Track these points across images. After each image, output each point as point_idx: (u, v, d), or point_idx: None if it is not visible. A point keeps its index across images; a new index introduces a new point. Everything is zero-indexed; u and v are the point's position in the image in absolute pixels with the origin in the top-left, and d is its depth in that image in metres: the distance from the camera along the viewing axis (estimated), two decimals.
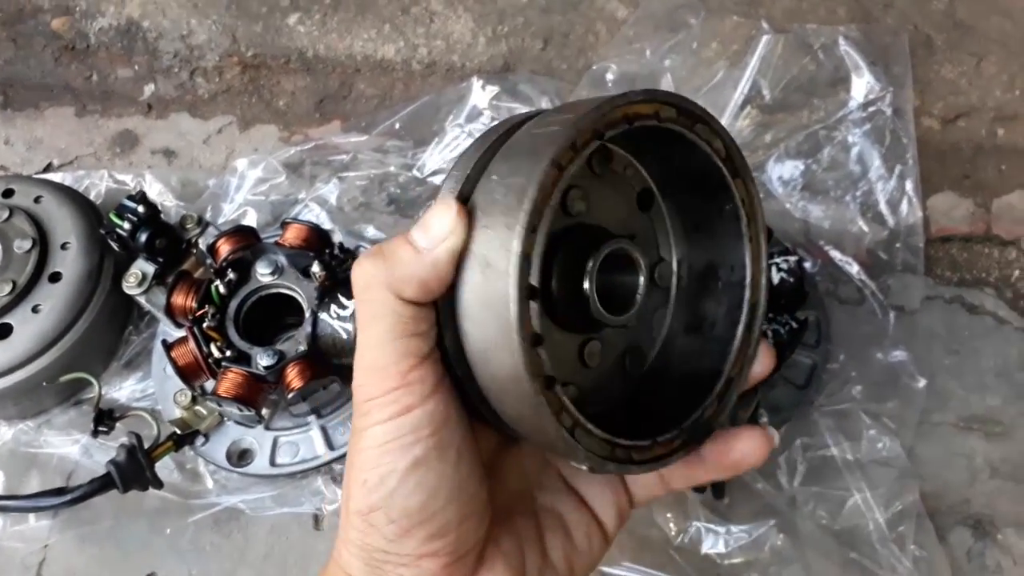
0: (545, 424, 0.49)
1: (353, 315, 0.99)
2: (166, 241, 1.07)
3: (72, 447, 1.08)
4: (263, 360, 0.98)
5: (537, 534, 0.59)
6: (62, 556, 1.04)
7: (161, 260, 1.07)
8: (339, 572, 0.54)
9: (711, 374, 0.60)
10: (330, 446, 1.05)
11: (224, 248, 1.04)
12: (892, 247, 1.15)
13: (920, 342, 1.10)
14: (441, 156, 1.27)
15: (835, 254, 1.15)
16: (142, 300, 1.07)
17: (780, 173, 1.20)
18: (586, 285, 0.52)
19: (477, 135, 1.25)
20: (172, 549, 1.04)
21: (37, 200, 1.16)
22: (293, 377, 0.97)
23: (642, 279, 0.57)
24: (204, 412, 1.04)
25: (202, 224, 1.11)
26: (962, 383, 1.09)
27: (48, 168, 1.36)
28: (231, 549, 1.04)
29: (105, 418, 1.03)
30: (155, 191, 1.26)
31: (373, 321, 0.51)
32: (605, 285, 0.53)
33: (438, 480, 0.51)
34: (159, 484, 0.99)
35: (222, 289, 1.03)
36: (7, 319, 1.07)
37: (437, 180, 1.26)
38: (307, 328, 0.99)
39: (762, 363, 0.61)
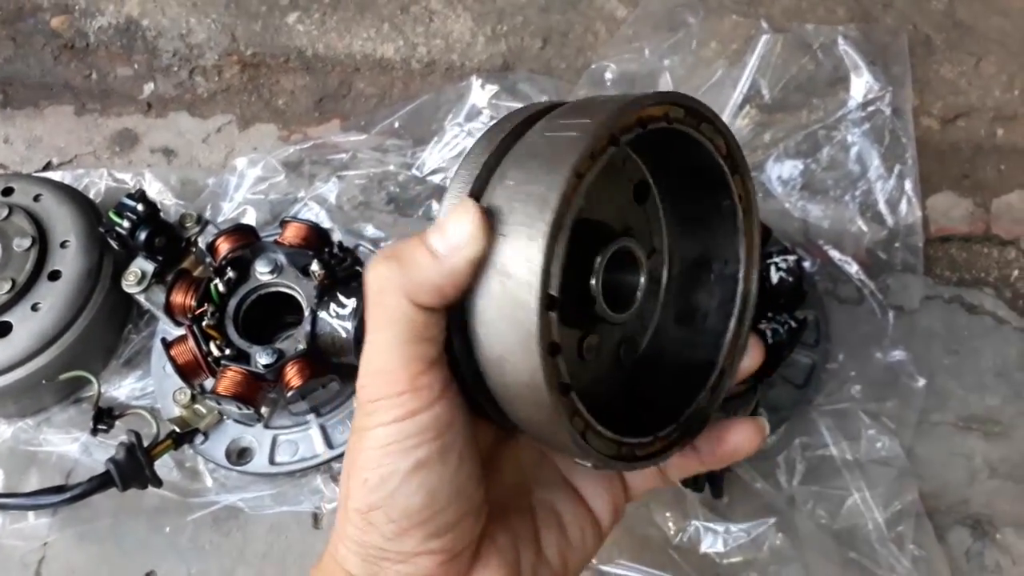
0: (559, 429, 0.49)
1: (352, 313, 0.99)
2: (165, 240, 1.07)
3: (71, 445, 1.08)
4: (262, 359, 0.98)
5: (532, 530, 0.59)
6: (61, 554, 1.04)
7: (160, 259, 1.07)
8: (335, 567, 0.55)
9: (705, 365, 0.60)
10: (329, 445, 1.05)
11: (223, 247, 1.04)
12: (891, 247, 1.15)
13: (919, 342, 1.10)
14: (440, 155, 1.27)
15: (834, 254, 1.15)
16: (141, 298, 1.07)
17: (779, 172, 1.20)
18: (593, 284, 0.52)
19: (478, 133, 1.27)
20: (171, 547, 1.04)
21: (36, 198, 1.16)
22: (292, 376, 0.97)
23: (643, 278, 0.57)
24: (203, 410, 1.04)
25: (201, 223, 1.11)
26: (961, 383, 1.09)
27: (47, 166, 1.36)
28: (230, 547, 1.04)
29: (104, 416, 1.03)
30: (154, 190, 1.26)
31: (385, 325, 0.50)
32: (608, 283, 0.53)
33: (439, 482, 0.51)
34: (158, 482, 0.99)
35: (221, 288, 1.03)
36: (6, 317, 1.07)
37: (436, 179, 1.26)
38: (306, 327, 0.99)
39: (751, 356, 0.61)
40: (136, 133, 1.39)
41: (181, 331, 1.02)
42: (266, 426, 1.06)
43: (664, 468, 0.62)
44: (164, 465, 1.03)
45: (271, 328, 1.07)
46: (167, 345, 1.01)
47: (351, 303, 0.99)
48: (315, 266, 1.01)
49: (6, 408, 1.10)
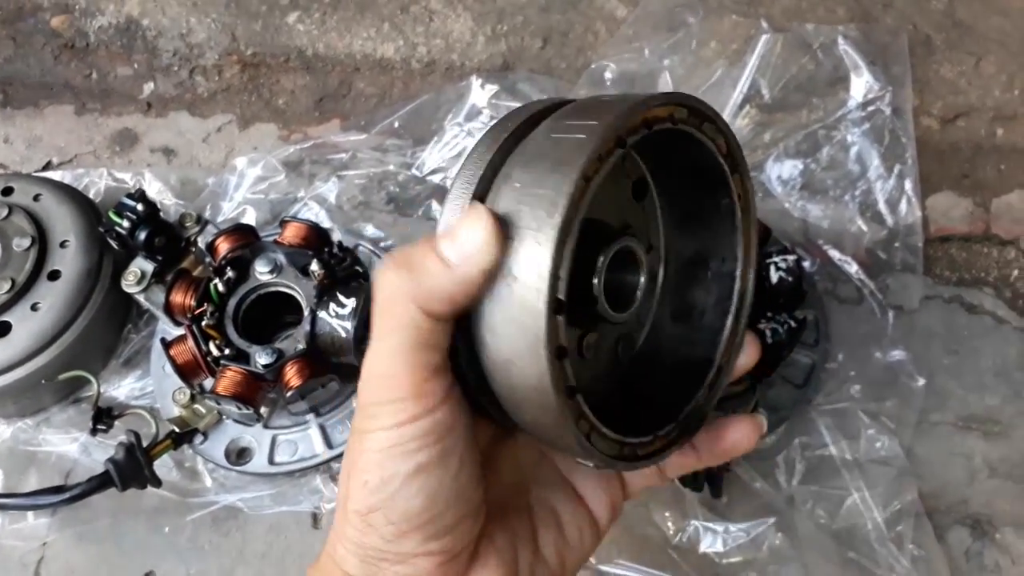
0: (565, 431, 0.49)
1: (351, 313, 0.99)
2: (165, 239, 1.07)
3: (71, 445, 1.08)
4: (262, 358, 0.98)
5: (530, 529, 0.59)
6: (60, 554, 1.04)
7: (160, 258, 1.07)
8: (333, 567, 0.55)
9: (702, 363, 0.61)
10: (328, 444, 1.05)
11: (223, 246, 1.04)
12: (891, 246, 1.15)
13: (919, 341, 1.10)
14: (440, 155, 1.27)
15: (834, 253, 1.15)
16: (141, 298, 1.07)
17: (779, 172, 1.20)
18: (595, 283, 0.52)
19: (477, 133, 1.27)
20: (170, 547, 1.04)
21: (36, 198, 1.16)
22: (292, 375, 0.97)
23: (643, 278, 0.57)
24: (203, 410, 1.04)
25: (201, 222, 1.11)
26: (961, 383, 1.09)
27: (47, 166, 1.36)
28: (229, 547, 1.04)
29: (104, 416, 1.03)
30: (154, 189, 1.26)
31: (391, 330, 0.49)
32: (609, 282, 0.53)
33: (439, 485, 0.51)
34: (157, 482, 0.99)
35: (221, 287, 1.02)
36: (6, 317, 1.07)
37: (436, 179, 1.26)
38: (306, 326, 0.99)
39: (748, 354, 0.62)
40: (136, 133, 1.39)
41: (180, 331, 1.02)
42: (265, 426, 1.06)
43: (662, 466, 0.62)
44: (163, 465, 1.03)
45: (271, 328, 1.07)
46: (166, 345, 1.01)
47: (351, 303, 0.99)
48: (315, 266, 1.01)
49: (5, 408, 1.10)
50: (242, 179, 1.26)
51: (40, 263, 1.10)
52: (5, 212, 1.12)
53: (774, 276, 1.01)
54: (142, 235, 1.04)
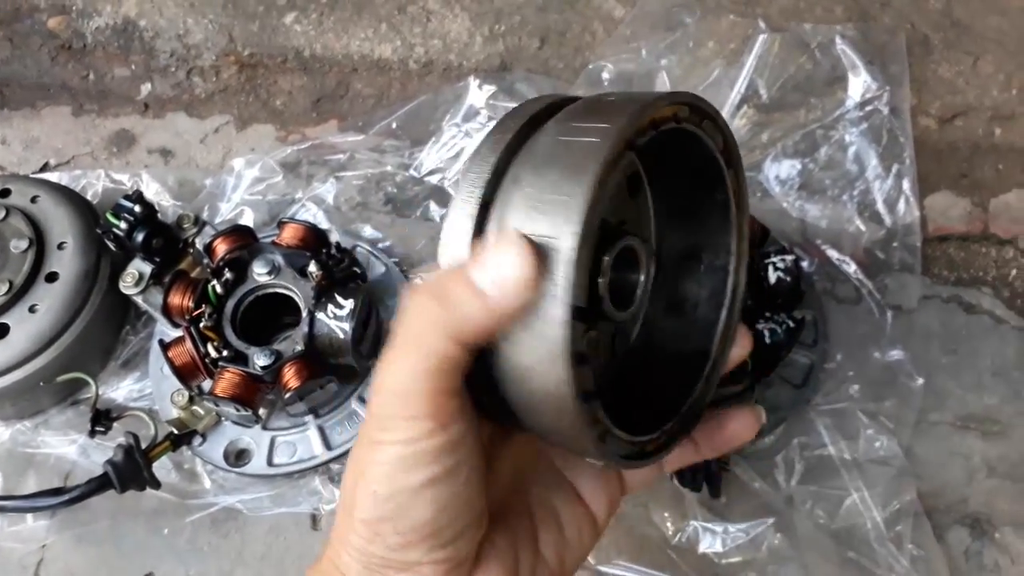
0: (581, 435, 0.49)
1: (350, 314, 0.99)
2: (163, 241, 1.07)
3: (69, 447, 1.08)
4: (260, 360, 0.97)
5: (531, 530, 0.59)
6: (60, 556, 1.04)
7: (158, 260, 1.07)
8: (335, 572, 0.54)
9: (698, 355, 0.61)
10: (327, 446, 1.05)
11: (221, 248, 1.04)
12: (889, 246, 1.15)
13: (917, 341, 1.10)
14: (438, 156, 1.27)
15: (832, 253, 1.15)
16: (139, 300, 1.07)
17: (777, 172, 1.20)
18: (601, 283, 0.52)
19: (475, 134, 1.27)
20: (170, 549, 1.04)
21: (34, 200, 1.15)
22: (290, 377, 0.97)
23: (643, 276, 0.57)
24: (201, 412, 1.04)
25: (199, 224, 1.11)
26: (960, 382, 1.09)
27: (45, 168, 1.36)
28: (229, 549, 1.04)
29: (102, 418, 1.03)
30: (152, 191, 1.26)
31: (415, 351, 0.48)
32: (612, 281, 0.53)
33: (449, 497, 0.51)
34: (156, 484, 0.98)
35: (219, 289, 1.02)
36: (4, 319, 1.07)
37: (434, 180, 1.26)
38: (304, 328, 0.99)
39: (741, 345, 0.62)
40: (133, 134, 1.39)
41: (179, 332, 1.02)
42: (264, 427, 1.06)
43: (663, 461, 0.63)
44: (162, 467, 1.03)
45: (269, 329, 1.07)
46: (165, 346, 1.01)
47: (349, 304, 0.99)
48: (313, 267, 1.01)
49: (4, 410, 1.10)
50: (240, 180, 1.26)
51: (38, 265, 1.09)
52: (2, 214, 1.12)
53: (772, 276, 1.01)
54: (140, 236, 1.04)
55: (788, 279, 1.01)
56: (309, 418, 1.06)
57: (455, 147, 1.27)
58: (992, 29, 1.30)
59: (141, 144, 1.38)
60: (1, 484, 1.07)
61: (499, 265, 0.46)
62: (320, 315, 1.00)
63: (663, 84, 1.24)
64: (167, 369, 1.01)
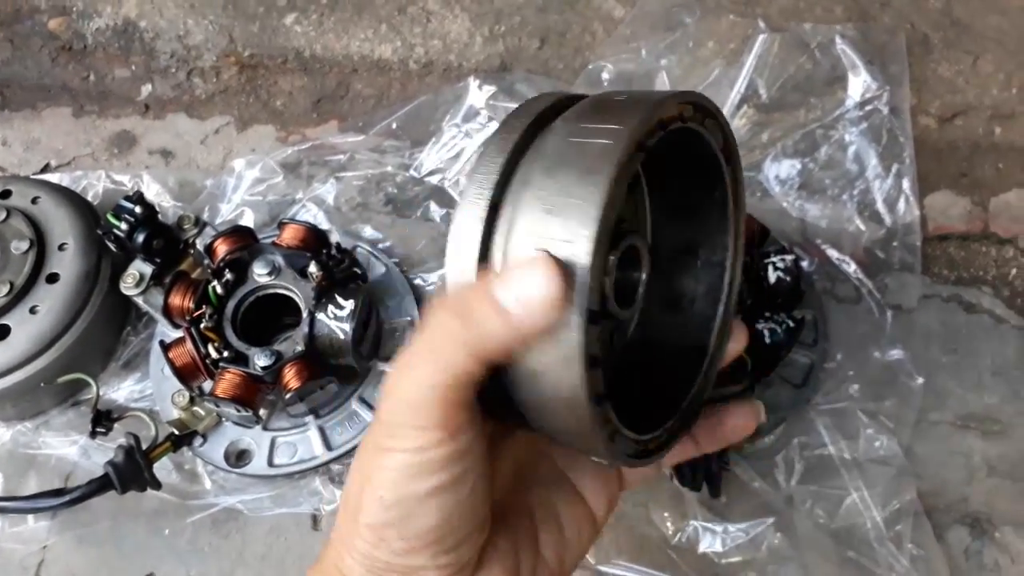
0: (593, 436, 0.49)
1: (350, 315, 0.99)
2: (163, 242, 1.07)
3: (70, 448, 1.08)
4: (260, 360, 0.98)
5: (531, 531, 0.59)
6: (61, 557, 1.04)
7: (158, 261, 1.07)
8: (337, 575, 0.54)
9: (695, 351, 0.61)
10: (328, 446, 1.05)
11: (221, 248, 1.04)
12: (889, 246, 1.15)
13: (917, 341, 1.10)
14: (438, 156, 1.27)
15: (832, 253, 1.15)
16: (140, 301, 1.07)
17: (777, 172, 1.20)
18: (607, 282, 0.51)
19: (475, 134, 1.27)
20: (170, 550, 1.04)
21: (34, 201, 1.16)
22: (291, 377, 0.98)
23: (645, 274, 0.57)
24: (202, 413, 1.04)
25: (199, 224, 1.11)
26: (960, 382, 1.09)
27: (46, 169, 1.36)
28: (229, 549, 1.04)
29: (103, 419, 1.03)
30: (152, 191, 1.26)
31: (432, 366, 0.48)
32: (616, 280, 0.53)
33: (455, 504, 0.51)
34: (157, 485, 0.99)
35: (219, 290, 1.02)
36: (5, 320, 1.07)
37: (434, 180, 1.26)
38: (304, 328, 0.99)
39: (737, 339, 0.62)
40: (134, 135, 1.39)
41: (179, 333, 1.02)
42: (265, 428, 1.06)
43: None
44: (163, 467, 1.03)
45: (269, 330, 1.07)
46: (165, 347, 1.01)
47: (349, 304, 0.99)
48: (313, 268, 1.01)
49: (4, 411, 1.10)
50: (240, 181, 1.26)
51: (38, 266, 1.10)
52: (3, 215, 1.12)
53: (772, 276, 1.01)
54: (140, 237, 1.04)
55: (788, 279, 1.02)
56: (310, 419, 1.06)
57: (455, 147, 1.27)
58: (992, 28, 1.30)
59: (142, 145, 1.38)
60: (2, 485, 1.07)
61: (524, 284, 0.45)
62: (320, 316, 1.00)
63: (663, 84, 1.24)
64: (168, 370, 1.01)
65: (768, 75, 1.22)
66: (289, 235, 1.05)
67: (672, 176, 0.61)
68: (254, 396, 0.98)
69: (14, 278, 1.08)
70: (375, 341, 1.11)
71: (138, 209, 1.04)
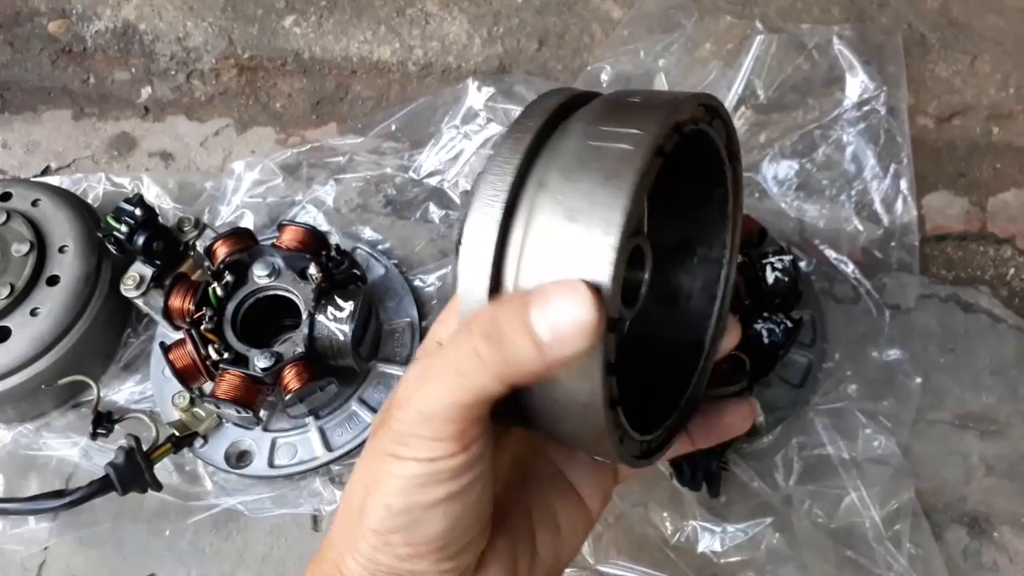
0: (604, 440, 0.49)
1: (349, 316, 0.99)
2: (163, 244, 1.07)
3: (71, 449, 1.09)
4: (260, 362, 0.98)
5: (529, 531, 0.59)
6: (62, 558, 1.05)
7: (159, 263, 1.07)
8: (337, 574, 0.55)
9: (692, 348, 0.61)
10: (328, 447, 1.06)
11: (221, 250, 1.05)
12: (887, 246, 1.15)
13: (915, 340, 1.10)
14: (437, 157, 1.27)
15: (830, 253, 1.15)
16: (140, 303, 1.07)
17: (775, 173, 1.20)
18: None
19: (474, 136, 1.28)
20: (171, 551, 1.04)
21: (35, 203, 1.16)
22: (291, 379, 0.98)
23: (648, 274, 0.57)
24: (202, 414, 1.05)
25: (199, 226, 1.11)
26: (958, 381, 1.09)
27: (46, 171, 1.37)
28: (230, 550, 1.04)
29: (104, 420, 1.03)
30: (152, 194, 1.26)
31: (454, 385, 0.47)
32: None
33: (463, 511, 0.50)
34: (158, 486, 0.99)
35: (219, 291, 1.03)
36: (5, 322, 1.07)
37: (433, 181, 1.26)
38: (304, 330, 1.00)
39: (730, 335, 0.62)
40: (134, 137, 1.40)
41: (179, 335, 1.03)
42: (265, 429, 1.07)
43: None
44: (164, 469, 1.03)
45: (269, 331, 1.07)
46: (166, 349, 1.01)
47: (348, 306, 1.00)
48: (312, 269, 1.01)
49: (5, 413, 1.10)
50: (240, 183, 1.26)
51: (39, 268, 1.10)
52: (3, 217, 1.12)
53: (770, 276, 1.02)
54: (140, 240, 1.05)
55: (786, 279, 1.02)
56: (310, 420, 1.07)
57: (454, 149, 1.27)
58: (989, 28, 1.30)
59: (142, 147, 1.38)
60: (3, 486, 1.07)
61: (560, 311, 0.44)
62: (320, 317, 1.00)
63: (661, 85, 1.25)
64: (168, 371, 1.01)
65: (766, 76, 1.22)
66: (289, 237, 1.05)
67: (674, 173, 0.61)
68: (254, 397, 0.98)
69: (14, 280, 1.08)
70: (375, 342, 1.11)
71: (138, 211, 1.05)
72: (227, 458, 1.06)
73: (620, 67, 1.26)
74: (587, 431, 0.49)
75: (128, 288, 1.06)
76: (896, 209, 1.17)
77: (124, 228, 1.05)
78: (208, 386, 1.02)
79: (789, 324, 1.01)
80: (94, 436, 1.03)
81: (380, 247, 1.22)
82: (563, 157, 0.48)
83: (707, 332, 0.62)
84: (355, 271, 1.07)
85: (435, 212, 1.25)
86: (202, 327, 1.00)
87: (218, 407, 1.01)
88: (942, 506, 1.02)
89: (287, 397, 0.98)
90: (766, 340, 1.00)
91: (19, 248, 1.10)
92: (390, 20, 1.40)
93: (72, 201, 1.19)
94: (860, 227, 1.16)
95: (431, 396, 0.48)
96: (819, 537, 0.98)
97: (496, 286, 0.48)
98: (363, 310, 1.01)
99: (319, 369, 0.99)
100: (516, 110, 1.27)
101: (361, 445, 1.04)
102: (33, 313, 1.07)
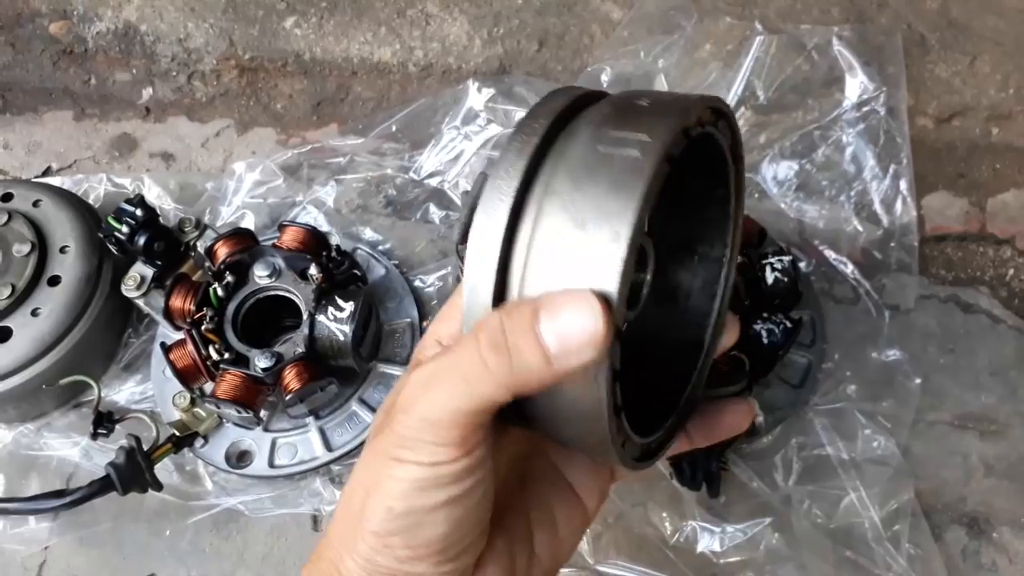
0: (606, 444, 0.49)
1: (350, 317, 0.99)
2: (164, 244, 1.07)
3: (72, 449, 1.09)
4: (261, 362, 0.98)
5: (527, 530, 0.59)
6: (62, 558, 1.05)
7: (159, 263, 1.07)
8: (335, 574, 0.55)
9: (692, 347, 0.61)
10: (328, 447, 1.06)
11: (222, 251, 1.05)
12: (887, 246, 1.15)
13: (915, 341, 1.10)
14: (438, 158, 1.27)
15: (830, 254, 1.15)
16: (141, 303, 1.07)
17: (775, 173, 1.20)
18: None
19: (475, 136, 1.28)
20: (172, 551, 1.04)
21: (36, 204, 1.16)
22: (291, 379, 0.98)
23: (649, 275, 0.57)
24: (203, 414, 1.05)
25: (200, 227, 1.11)
26: (957, 382, 1.09)
27: (47, 172, 1.37)
28: (230, 550, 1.05)
29: (104, 420, 1.04)
30: (153, 194, 1.27)
31: (460, 392, 0.47)
32: None
33: (464, 514, 0.51)
34: (158, 486, 0.99)
35: (220, 292, 1.03)
36: (6, 323, 1.07)
37: (434, 182, 1.26)
38: (304, 330, 1.00)
39: (729, 333, 0.62)
40: (135, 138, 1.40)
41: (180, 335, 1.03)
42: (265, 429, 1.07)
43: None
44: (164, 469, 1.04)
45: (270, 332, 1.08)
46: (166, 349, 1.02)
47: (349, 306, 1.00)
48: (313, 270, 1.02)
49: (6, 413, 1.10)
50: (240, 184, 1.27)
51: (40, 269, 1.10)
52: (5, 218, 1.13)
53: (770, 277, 1.02)
54: (141, 240, 1.05)
55: (786, 280, 1.02)
56: (310, 420, 1.07)
57: (455, 150, 1.28)
58: (989, 29, 1.30)
59: (143, 148, 1.39)
60: (4, 486, 1.08)
61: (570, 322, 0.44)
62: (320, 317, 1.00)
63: (661, 86, 1.25)
64: (169, 372, 1.02)
65: (765, 77, 1.22)
66: (289, 237, 1.06)
67: (678, 173, 0.61)
68: (255, 397, 0.99)
69: (16, 281, 1.08)
70: (375, 342, 1.11)
71: (139, 212, 1.05)
72: (227, 458, 1.06)
73: (620, 68, 1.26)
74: (590, 437, 0.49)
75: (129, 288, 1.06)
76: (896, 210, 1.17)
77: (125, 229, 1.05)
78: (209, 386, 1.02)
79: (788, 324, 1.01)
80: (95, 436, 1.03)
81: (380, 248, 1.22)
82: (571, 162, 0.48)
83: (706, 331, 0.62)
84: (355, 271, 1.07)
85: (435, 213, 1.25)
86: (203, 327, 1.01)
87: (218, 407, 1.01)
88: (941, 506, 1.03)
89: (287, 397, 0.98)
90: (765, 340, 1.00)
91: (20, 248, 1.10)
92: (391, 21, 1.40)
93: (73, 202, 1.19)
94: (860, 228, 1.16)
95: (436, 402, 0.48)
96: (818, 537, 0.98)
97: (501, 290, 0.48)
98: (363, 310, 1.01)
99: (319, 369, 1.00)
100: (516, 111, 1.27)
101: (361, 445, 1.05)
102: (34, 313, 1.08)
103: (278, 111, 1.41)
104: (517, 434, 0.61)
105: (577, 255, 0.45)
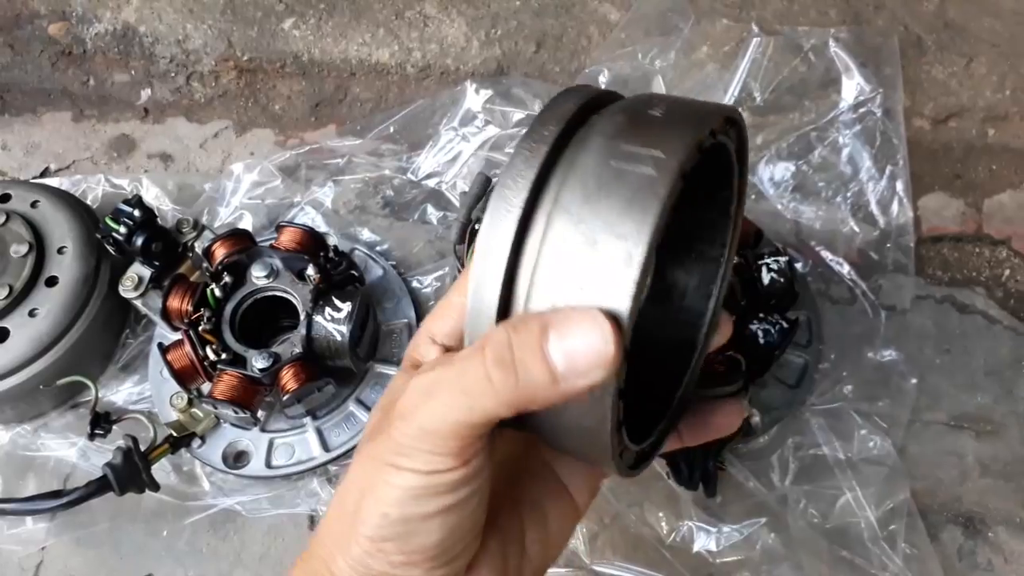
0: (604, 455, 0.49)
1: (347, 317, 0.99)
2: (162, 245, 1.08)
3: (69, 450, 1.09)
4: (258, 363, 0.98)
5: (519, 530, 0.59)
6: (59, 559, 1.05)
7: (157, 264, 1.07)
8: (326, 573, 0.55)
9: (686, 346, 0.61)
10: (325, 448, 1.06)
11: (220, 251, 1.05)
12: (883, 247, 1.16)
13: (911, 341, 1.10)
14: (435, 159, 1.27)
15: (826, 254, 1.16)
16: (138, 304, 1.08)
17: (771, 174, 1.21)
18: None
19: (472, 138, 1.28)
20: (169, 551, 1.04)
21: (34, 205, 1.16)
22: (288, 379, 0.98)
23: (649, 278, 0.57)
24: (200, 414, 1.05)
25: (198, 228, 1.11)
26: (953, 382, 1.10)
27: (45, 173, 1.37)
28: (228, 550, 1.05)
29: (102, 421, 1.04)
30: (151, 195, 1.27)
31: (462, 406, 0.47)
32: None
33: (459, 521, 0.51)
34: (156, 486, 0.99)
35: (218, 292, 1.03)
36: (4, 323, 1.07)
37: (431, 183, 1.27)
38: (302, 331, 1.00)
39: (722, 331, 0.62)
40: (133, 139, 1.40)
41: (178, 336, 1.03)
42: (263, 430, 1.07)
43: None
44: (161, 469, 1.04)
45: (267, 332, 1.08)
46: (164, 350, 1.02)
47: (346, 307, 1.00)
48: (311, 270, 1.02)
49: (4, 414, 1.11)
50: (239, 184, 1.27)
51: (38, 269, 1.10)
52: (3, 218, 1.13)
53: (766, 277, 1.02)
54: (139, 241, 1.05)
55: (782, 280, 1.02)
56: (307, 420, 1.07)
57: (452, 151, 1.28)
58: (985, 30, 1.30)
59: (141, 149, 1.39)
60: (1, 487, 1.08)
61: (579, 342, 0.43)
62: (318, 318, 1.00)
63: (659, 87, 1.25)
64: (166, 372, 1.02)
65: (762, 78, 1.22)
66: (287, 238, 1.06)
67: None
68: (252, 398, 0.99)
69: (13, 281, 1.08)
70: (372, 343, 1.11)
71: (137, 213, 1.05)
72: (225, 458, 1.06)
73: (617, 70, 1.27)
74: (590, 449, 0.49)
75: (127, 289, 1.06)
76: (892, 210, 1.17)
77: (123, 229, 1.05)
78: (206, 387, 1.02)
79: (785, 325, 1.01)
80: (92, 436, 1.03)
81: (378, 248, 1.22)
82: (581, 175, 0.46)
83: (700, 331, 0.62)
84: (353, 272, 1.07)
85: (433, 214, 1.25)
86: (200, 328, 1.01)
87: (216, 407, 1.01)
88: (937, 506, 1.03)
89: (285, 398, 0.99)
90: (762, 341, 1.00)
91: (18, 249, 1.10)
92: (389, 23, 1.40)
93: (71, 202, 1.19)
94: (856, 228, 1.17)
95: (436, 412, 0.48)
96: (814, 537, 0.98)
97: (506, 303, 0.47)
98: (361, 311, 1.02)
99: (317, 370, 1.00)
100: (514, 112, 1.27)
101: None
102: (32, 314, 1.08)
103: (276, 112, 1.41)
104: (510, 433, 0.61)
105: (587, 275, 0.44)
